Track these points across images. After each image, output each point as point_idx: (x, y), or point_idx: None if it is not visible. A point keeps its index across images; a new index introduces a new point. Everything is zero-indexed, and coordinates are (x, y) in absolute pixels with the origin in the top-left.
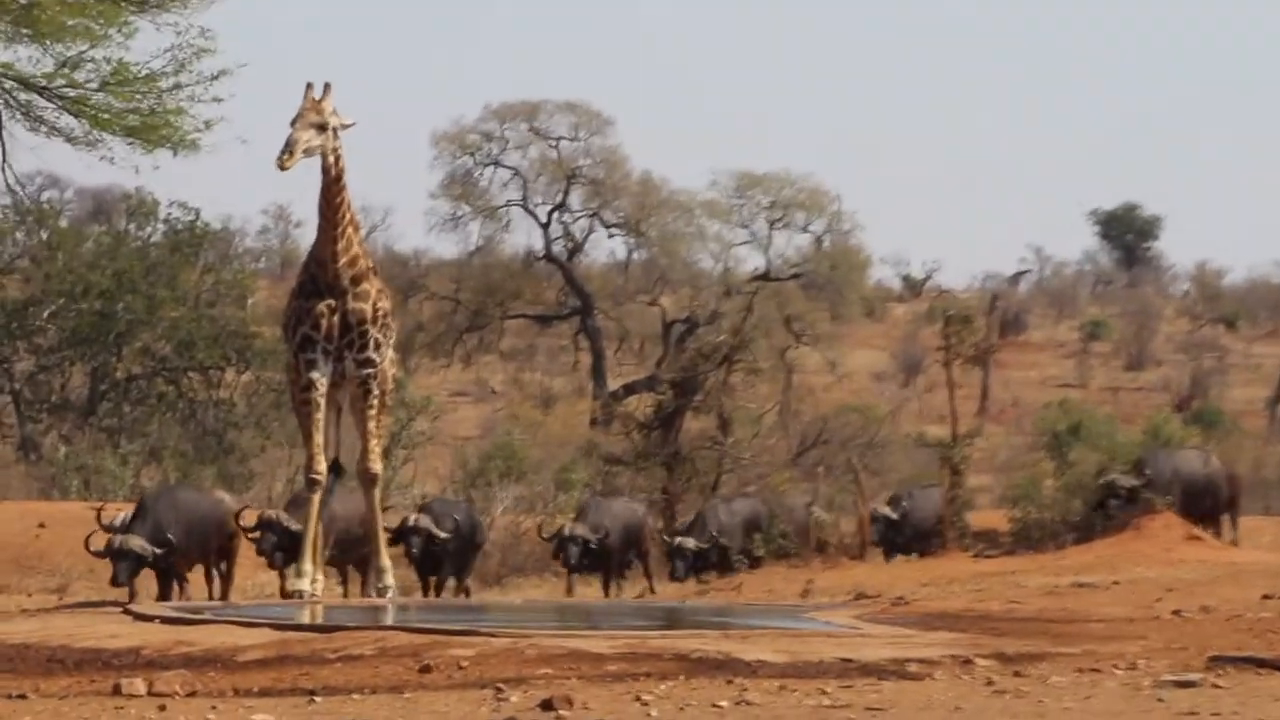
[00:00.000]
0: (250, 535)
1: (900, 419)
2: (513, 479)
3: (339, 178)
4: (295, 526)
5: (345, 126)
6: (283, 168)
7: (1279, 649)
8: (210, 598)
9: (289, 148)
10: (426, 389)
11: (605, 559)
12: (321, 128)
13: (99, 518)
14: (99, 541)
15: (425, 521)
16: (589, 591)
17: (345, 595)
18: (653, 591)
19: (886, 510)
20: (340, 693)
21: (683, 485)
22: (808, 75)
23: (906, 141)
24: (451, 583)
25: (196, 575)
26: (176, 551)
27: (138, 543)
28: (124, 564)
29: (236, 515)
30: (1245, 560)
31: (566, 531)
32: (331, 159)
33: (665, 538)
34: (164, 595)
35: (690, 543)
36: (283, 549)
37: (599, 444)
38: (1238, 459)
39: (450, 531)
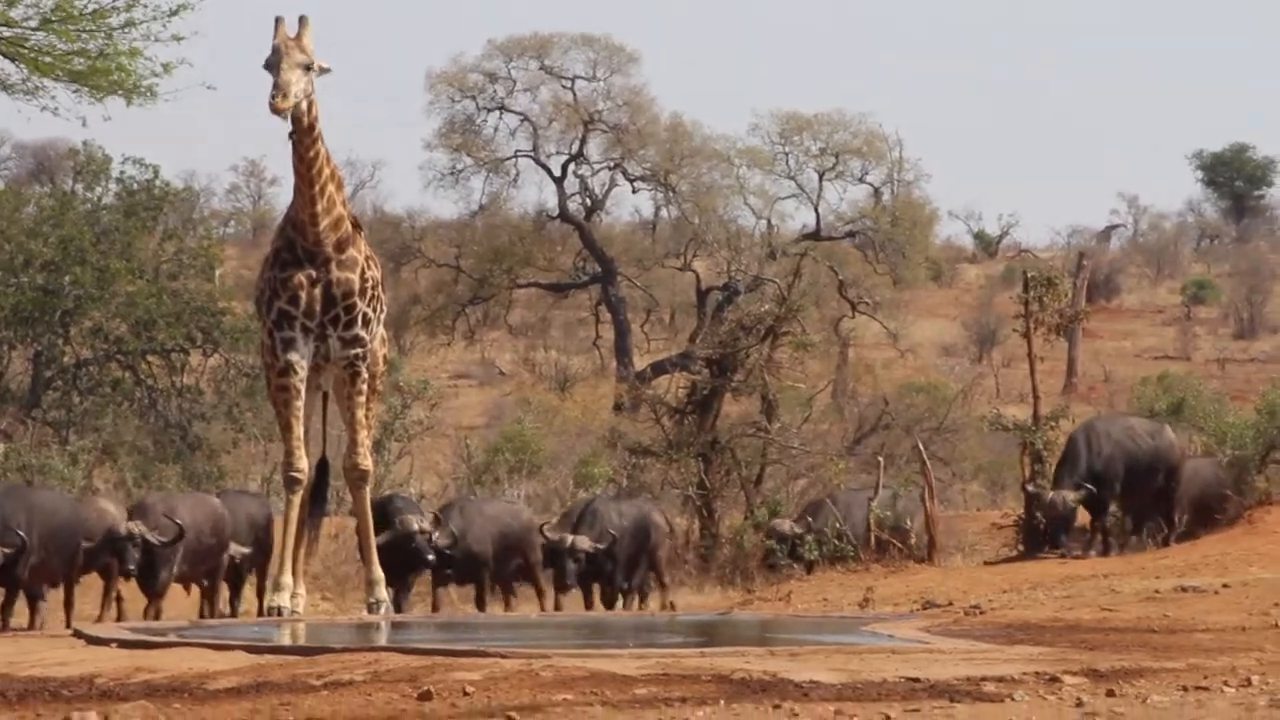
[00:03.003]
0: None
1: (973, 399)
2: (524, 474)
3: (312, 127)
4: (158, 539)
5: (323, 70)
6: (278, 110)
7: None
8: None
9: (282, 89)
10: (424, 371)
11: (475, 569)
12: (308, 68)
13: None
14: None
15: (427, 524)
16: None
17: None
18: (542, 609)
19: (786, 526)
20: None
21: (722, 479)
22: (861, 0)
23: (977, 76)
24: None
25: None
26: (27, 564)
27: None
28: None
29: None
30: None
31: (414, 526)
32: (304, 105)
33: (547, 534)
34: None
35: (585, 542)
36: (145, 566)
37: (624, 432)
38: None
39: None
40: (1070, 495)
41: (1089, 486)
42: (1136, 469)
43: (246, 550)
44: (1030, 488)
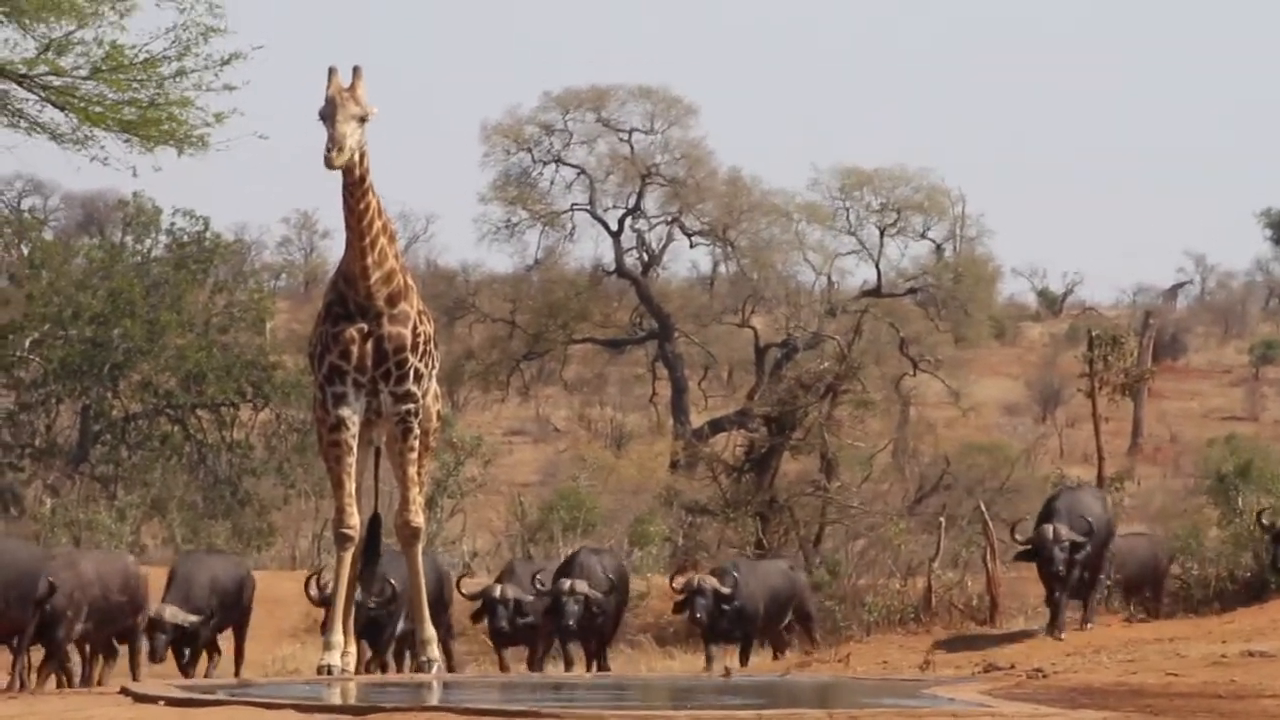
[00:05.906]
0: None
1: (1037, 459)
2: (579, 532)
3: (363, 178)
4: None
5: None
6: (333, 165)
7: None
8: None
9: (337, 143)
10: (477, 427)
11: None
12: (362, 120)
13: None
14: None
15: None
16: (672, 665)
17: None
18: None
19: (713, 582)
20: None
21: (780, 538)
22: (924, 54)
23: (1042, 131)
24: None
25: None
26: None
27: None
28: None
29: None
30: None
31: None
32: (356, 156)
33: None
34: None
35: (584, 585)
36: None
37: (680, 491)
38: None
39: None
40: (1071, 532)
41: (1090, 521)
42: (1094, 537)
43: (195, 618)
44: (1018, 534)
